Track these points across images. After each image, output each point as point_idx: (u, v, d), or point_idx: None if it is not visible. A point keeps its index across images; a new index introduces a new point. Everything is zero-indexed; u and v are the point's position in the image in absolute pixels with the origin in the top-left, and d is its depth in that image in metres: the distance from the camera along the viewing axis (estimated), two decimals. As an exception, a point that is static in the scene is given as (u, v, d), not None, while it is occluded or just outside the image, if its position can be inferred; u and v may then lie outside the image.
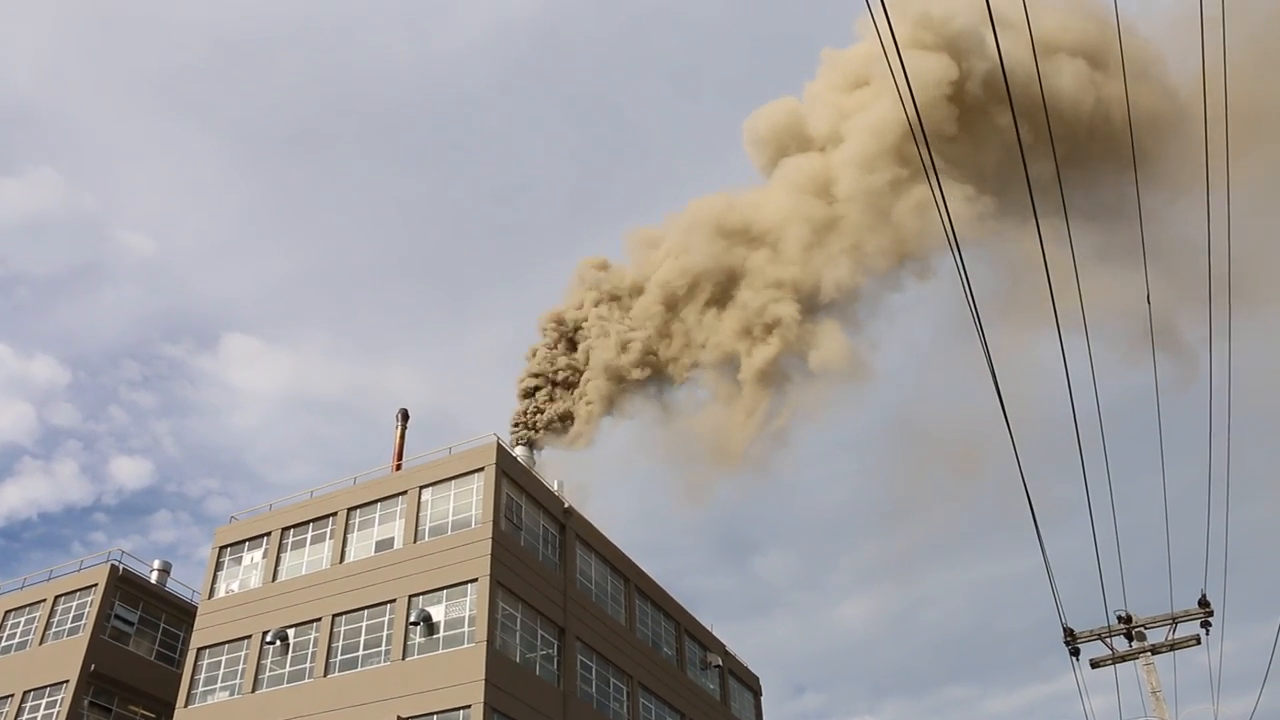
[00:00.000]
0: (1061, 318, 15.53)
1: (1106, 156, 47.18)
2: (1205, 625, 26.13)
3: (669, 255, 53.95)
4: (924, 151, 11.26)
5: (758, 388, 52.01)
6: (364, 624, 37.43)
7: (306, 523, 41.86)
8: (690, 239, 52.70)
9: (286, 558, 41.46)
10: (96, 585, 45.74)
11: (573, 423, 52.25)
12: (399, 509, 39.98)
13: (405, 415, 47.59)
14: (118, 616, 45.83)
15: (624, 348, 52.34)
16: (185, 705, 39.35)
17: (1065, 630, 26.49)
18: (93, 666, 43.57)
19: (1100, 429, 23.44)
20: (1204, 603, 26.15)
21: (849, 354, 51.27)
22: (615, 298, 54.75)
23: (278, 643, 38.18)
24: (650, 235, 56.66)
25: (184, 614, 48.26)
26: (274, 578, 40.90)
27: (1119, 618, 26.20)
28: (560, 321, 54.53)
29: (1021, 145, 12.93)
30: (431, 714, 34.18)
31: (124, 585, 46.50)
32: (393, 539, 39.28)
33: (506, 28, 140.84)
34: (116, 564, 46.55)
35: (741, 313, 51.17)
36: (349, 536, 40.34)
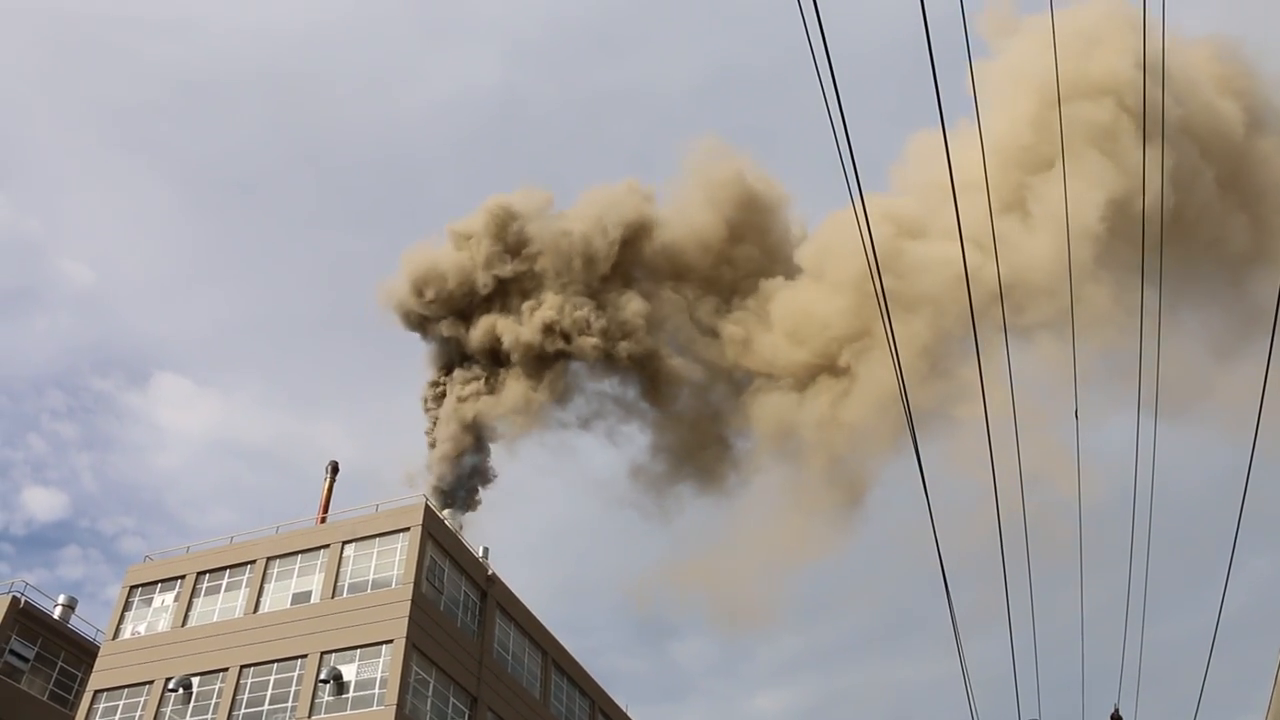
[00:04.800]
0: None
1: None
2: (1114, 739, 26.52)
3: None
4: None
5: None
6: (272, 678, 36.50)
7: (223, 568, 40.91)
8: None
9: (199, 603, 40.42)
10: (-6, 617, 44.07)
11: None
12: (319, 562, 39.30)
13: (335, 468, 47.01)
14: (13, 651, 44.07)
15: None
16: (75, 749, 37.91)
17: (976, 736, 26.65)
18: (-20, 702, 41.82)
19: (1025, 539, 23.96)
20: (1117, 717, 26.59)
21: None
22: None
23: (180, 691, 37.03)
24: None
25: (85, 654, 46.52)
26: (184, 623, 39.81)
27: (1030, 726, 26.50)
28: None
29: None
30: (333, 776, 33.31)
31: (24, 619, 44.81)
32: (310, 592, 38.55)
33: (470, 95, 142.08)
34: (19, 596, 44.89)
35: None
36: (266, 586, 39.49)
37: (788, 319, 49.58)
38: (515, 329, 49.54)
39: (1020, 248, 44.51)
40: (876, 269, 11.18)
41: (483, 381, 49.84)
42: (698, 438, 52.99)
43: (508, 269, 50.02)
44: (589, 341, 48.91)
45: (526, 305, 49.74)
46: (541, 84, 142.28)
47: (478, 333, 50.31)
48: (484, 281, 49.92)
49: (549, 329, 48.96)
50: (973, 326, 15.24)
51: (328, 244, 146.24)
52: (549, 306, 49.02)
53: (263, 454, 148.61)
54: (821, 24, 9.30)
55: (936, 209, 46.52)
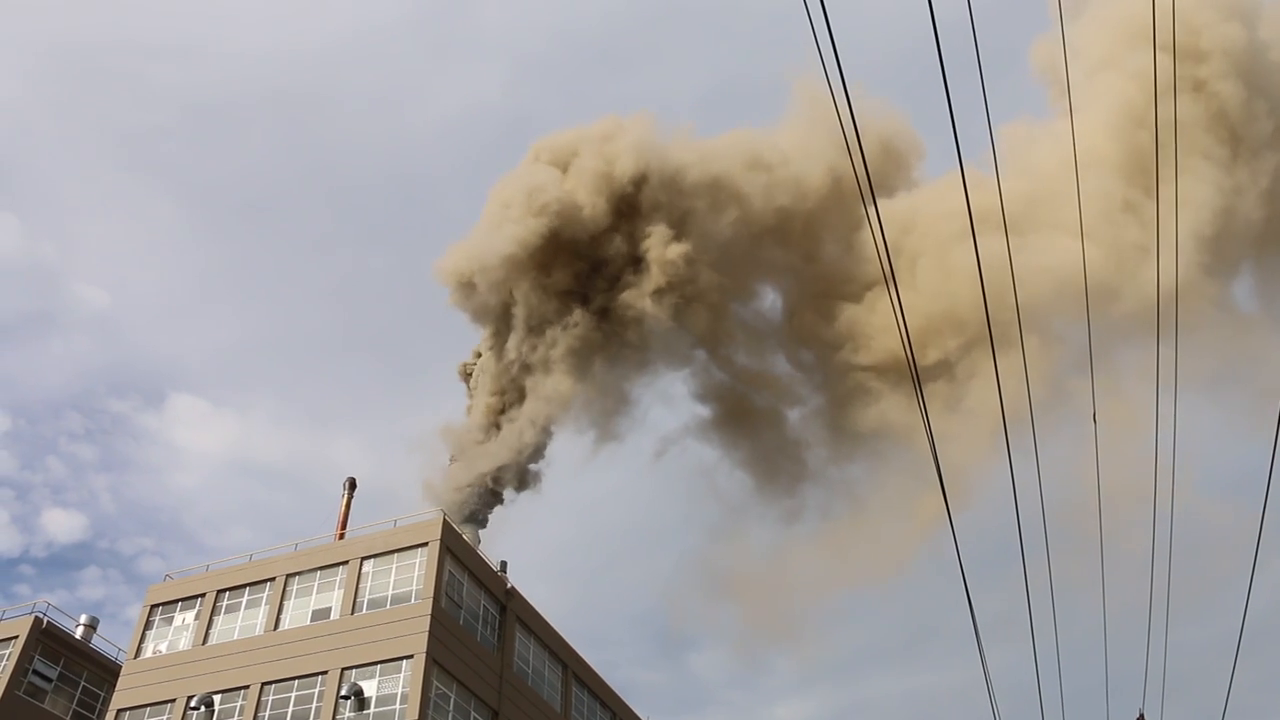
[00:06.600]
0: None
1: None
2: (1140, 744, 26.29)
3: None
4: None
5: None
6: (294, 694, 36.52)
7: (243, 586, 41.00)
8: None
9: (219, 621, 40.50)
10: (17, 638, 44.25)
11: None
12: (339, 578, 39.33)
13: (353, 484, 47.00)
14: (36, 672, 44.28)
15: None
16: (99, 769, 38.00)
17: (1001, 743, 26.42)
18: (2, 724, 41.95)
19: (1045, 543, 23.78)
20: (1140, 722, 26.35)
21: None
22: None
23: (202, 709, 37.09)
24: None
25: (107, 673, 46.73)
26: (205, 641, 39.89)
27: (1054, 733, 26.29)
28: None
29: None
30: (355, 793, 33.26)
31: (46, 639, 45.04)
32: (330, 609, 38.58)
33: (478, 112, 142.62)
34: (41, 616, 45.15)
35: None
36: (285, 603, 39.54)
37: (889, 368, 47.11)
38: (636, 297, 45.17)
39: (1138, 256, 43.06)
40: (896, 291, 11.11)
41: (610, 351, 45.31)
42: (770, 439, 50.25)
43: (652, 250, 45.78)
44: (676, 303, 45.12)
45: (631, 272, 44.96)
46: (547, 99, 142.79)
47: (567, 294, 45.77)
48: (619, 254, 45.93)
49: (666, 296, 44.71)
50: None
51: (339, 262, 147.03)
52: (666, 267, 44.77)
53: (279, 472, 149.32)
54: (830, 27, 9.27)
55: (1040, 202, 44.40)
